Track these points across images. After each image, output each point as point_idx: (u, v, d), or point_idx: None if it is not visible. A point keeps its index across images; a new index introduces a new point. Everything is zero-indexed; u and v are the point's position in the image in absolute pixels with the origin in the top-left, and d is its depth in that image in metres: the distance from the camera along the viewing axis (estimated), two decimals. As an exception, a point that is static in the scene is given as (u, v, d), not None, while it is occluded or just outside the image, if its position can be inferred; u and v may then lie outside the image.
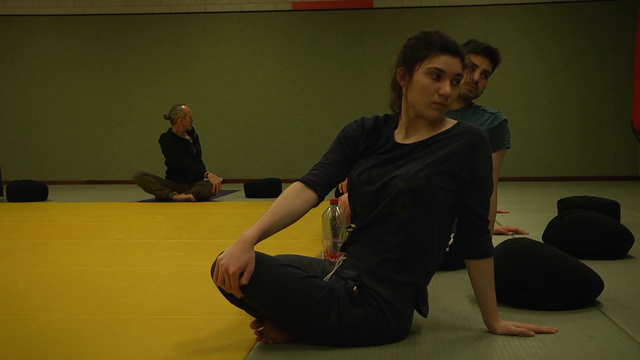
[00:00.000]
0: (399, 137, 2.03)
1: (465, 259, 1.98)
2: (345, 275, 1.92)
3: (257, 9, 10.60)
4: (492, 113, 3.22)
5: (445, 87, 1.91)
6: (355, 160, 2.05)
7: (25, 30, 10.92)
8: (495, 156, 3.16)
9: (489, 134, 3.15)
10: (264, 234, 1.84)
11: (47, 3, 10.87)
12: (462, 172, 1.92)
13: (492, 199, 3.07)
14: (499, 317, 1.99)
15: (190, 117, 7.15)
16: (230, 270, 1.74)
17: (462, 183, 1.93)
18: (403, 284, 1.89)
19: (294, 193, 1.94)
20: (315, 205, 1.99)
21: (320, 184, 1.98)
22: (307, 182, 1.97)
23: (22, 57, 10.93)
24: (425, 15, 10.28)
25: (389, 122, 2.08)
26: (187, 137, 7.21)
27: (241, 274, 1.76)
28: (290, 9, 10.56)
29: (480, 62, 3.16)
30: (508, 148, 3.25)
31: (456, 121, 2.02)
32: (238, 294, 1.78)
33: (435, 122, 2.00)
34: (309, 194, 1.96)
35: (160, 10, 10.76)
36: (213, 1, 10.65)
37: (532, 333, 1.95)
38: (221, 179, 7.44)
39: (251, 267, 1.76)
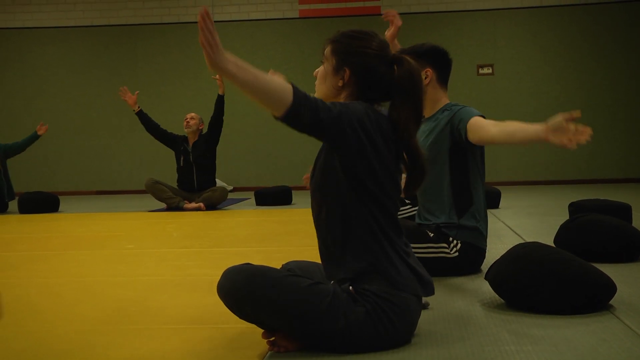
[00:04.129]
0: None
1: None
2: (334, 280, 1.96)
3: (264, 17, 10.64)
4: (459, 107, 3.04)
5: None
6: None
7: (35, 43, 11.00)
8: (474, 121, 2.90)
9: (454, 121, 2.97)
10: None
11: (56, 15, 10.95)
12: (335, 161, 2.02)
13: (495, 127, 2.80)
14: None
15: (186, 121, 7.36)
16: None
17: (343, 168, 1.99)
18: (364, 271, 1.90)
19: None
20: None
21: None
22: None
23: (32, 69, 11.01)
24: (434, 21, 10.29)
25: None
26: (190, 141, 7.38)
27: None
28: (298, 16, 10.59)
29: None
30: (481, 116, 2.97)
31: None
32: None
33: None
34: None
35: (168, 20, 10.81)
36: (221, 10, 10.69)
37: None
38: (231, 187, 7.47)
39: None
